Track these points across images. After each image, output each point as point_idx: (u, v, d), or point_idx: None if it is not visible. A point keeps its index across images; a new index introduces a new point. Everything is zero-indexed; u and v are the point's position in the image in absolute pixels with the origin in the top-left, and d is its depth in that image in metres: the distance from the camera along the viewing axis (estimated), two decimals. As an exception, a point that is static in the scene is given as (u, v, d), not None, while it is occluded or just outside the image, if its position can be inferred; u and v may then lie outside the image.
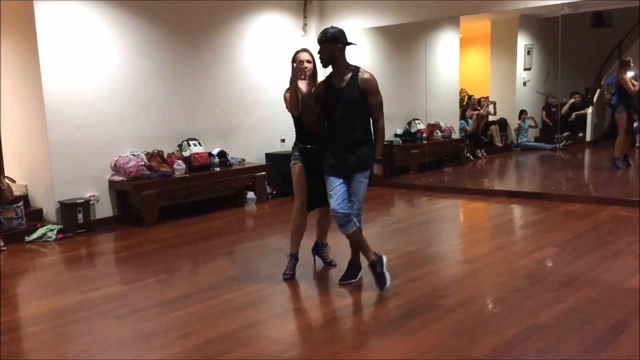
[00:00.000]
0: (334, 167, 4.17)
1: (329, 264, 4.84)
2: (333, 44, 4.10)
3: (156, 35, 7.23)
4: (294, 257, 4.62)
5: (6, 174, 6.71)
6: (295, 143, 4.60)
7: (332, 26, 4.25)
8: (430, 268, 4.84)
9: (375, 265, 4.21)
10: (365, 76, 4.16)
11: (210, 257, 5.49)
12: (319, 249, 4.89)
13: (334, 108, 4.16)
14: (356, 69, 4.19)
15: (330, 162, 4.18)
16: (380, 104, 4.21)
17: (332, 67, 4.19)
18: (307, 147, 4.48)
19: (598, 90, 11.67)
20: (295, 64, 4.41)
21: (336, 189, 4.13)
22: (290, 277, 4.57)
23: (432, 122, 10.27)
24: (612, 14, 12.01)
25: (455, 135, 10.85)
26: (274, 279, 4.59)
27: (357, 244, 4.32)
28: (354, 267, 4.47)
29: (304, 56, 4.42)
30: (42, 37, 6.27)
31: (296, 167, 4.53)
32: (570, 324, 3.57)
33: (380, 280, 4.20)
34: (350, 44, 4.22)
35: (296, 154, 4.54)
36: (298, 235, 4.61)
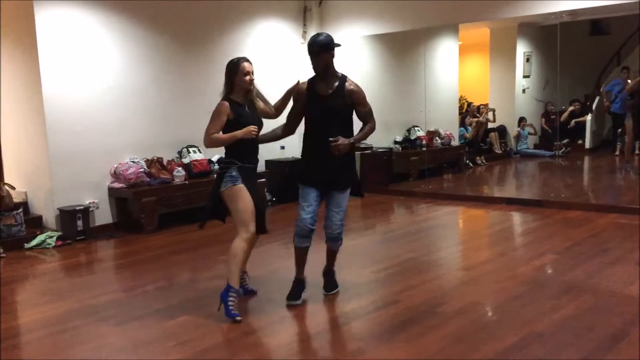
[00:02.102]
0: (317, 180, 4.10)
1: (251, 292, 4.43)
2: (326, 52, 3.98)
3: (156, 41, 7.25)
4: (239, 292, 4.08)
5: (6, 181, 6.70)
6: (230, 161, 4.05)
7: (318, 33, 4.09)
8: (429, 275, 4.84)
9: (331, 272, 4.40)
10: (352, 87, 4.06)
11: (210, 264, 5.48)
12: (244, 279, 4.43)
13: (317, 116, 4.07)
14: (343, 78, 4.09)
15: (314, 175, 4.09)
16: (371, 112, 4.17)
17: (322, 74, 4.06)
18: (247, 165, 4.05)
19: (597, 98, 11.71)
20: (239, 76, 4.01)
21: (313, 205, 4.09)
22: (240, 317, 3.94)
23: (432, 129, 10.28)
24: (610, 21, 12.07)
25: (455, 142, 10.87)
26: (272, 286, 4.58)
27: (335, 256, 4.36)
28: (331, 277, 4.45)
29: (250, 67, 4.04)
30: (42, 44, 6.28)
31: (240, 190, 3.97)
32: (569, 331, 3.57)
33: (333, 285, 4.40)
34: (337, 45, 4.08)
35: (234, 174, 3.99)
36: (242, 267, 4.11)
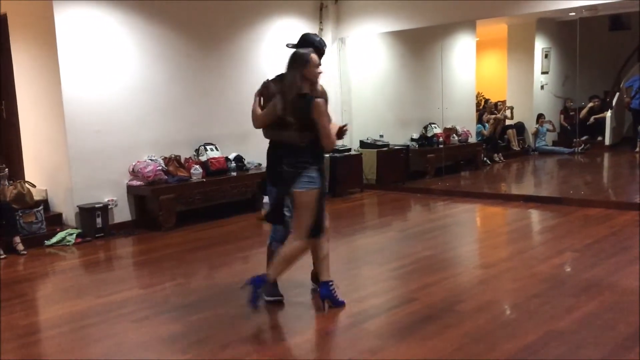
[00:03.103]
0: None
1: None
2: None
3: (174, 40, 7.28)
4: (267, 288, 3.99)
5: (26, 179, 6.80)
6: (305, 161, 3.79)
7: (312, 34, 4.19)
8: (447, 273, 4.82)
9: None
10: (321, 89, 4.06)
11: (227, 261, 5.51)
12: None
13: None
14: None
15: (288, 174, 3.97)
16: None
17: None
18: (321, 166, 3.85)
19: (617, 94, 11.56)
20: (310, 68, 3.83)
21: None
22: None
23: (449, 126, 10.22)
24: (631, 16, 11.89)
25: (472, 139, 10.79)
26: (290, 284, 4.59)
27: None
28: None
29: (318, 59, 3.92)
30: (62, 43, 6.35)
31: (317, 195, 3.77)
32: (590, 329, 3.54)
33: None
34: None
35: (314, 175, 3.76)
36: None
